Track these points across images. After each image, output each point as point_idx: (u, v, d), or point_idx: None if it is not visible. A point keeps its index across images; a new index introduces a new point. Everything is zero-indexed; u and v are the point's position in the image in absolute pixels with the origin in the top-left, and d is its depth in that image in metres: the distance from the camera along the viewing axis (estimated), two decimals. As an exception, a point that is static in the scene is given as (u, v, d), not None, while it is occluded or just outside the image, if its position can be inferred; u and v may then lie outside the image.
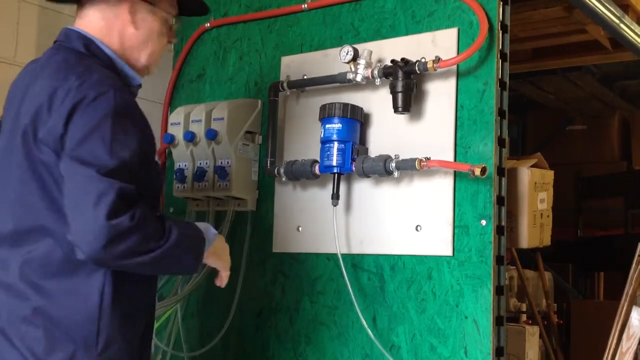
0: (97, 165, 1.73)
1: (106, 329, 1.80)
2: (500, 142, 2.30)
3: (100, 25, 1.97)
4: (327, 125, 2.42)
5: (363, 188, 2.49)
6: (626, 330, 2.36)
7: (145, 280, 1.93)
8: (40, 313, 1.78)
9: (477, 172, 2.16)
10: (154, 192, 1.98)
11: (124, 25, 1.98)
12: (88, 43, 1.94)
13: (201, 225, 2.00)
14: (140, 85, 2.06)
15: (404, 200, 2.40)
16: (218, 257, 2.05)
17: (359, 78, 2.43)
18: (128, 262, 1.75)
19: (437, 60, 2.30)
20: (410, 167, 2.29)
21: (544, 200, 2.99)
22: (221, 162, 2.67)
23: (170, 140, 2.73)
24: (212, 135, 2.63)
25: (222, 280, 2.12)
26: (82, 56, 1.91)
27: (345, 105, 2.42)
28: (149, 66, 2.04)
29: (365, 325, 2.40)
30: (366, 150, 2.48)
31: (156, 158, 1.97)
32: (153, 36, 2.02)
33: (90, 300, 1.80)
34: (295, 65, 2.71)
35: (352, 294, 2.41)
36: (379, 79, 2.41)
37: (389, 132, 2.46)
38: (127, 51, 1.99)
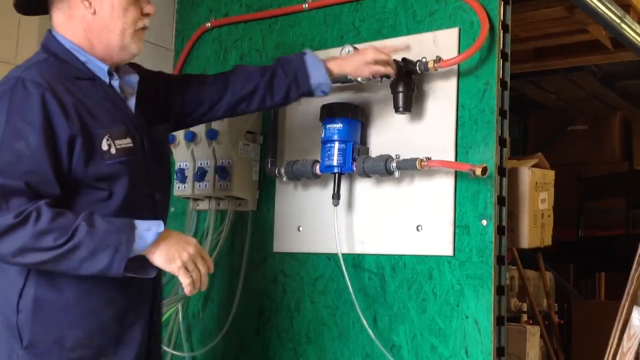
0: None
1: (27, 327, 1.81)
2: (501, 142, 2.30)
3: (61, 20, 1.96)
4: (328, 125, 2.42)
5: (364, 188, 2.49)
6: (627, 330, 2.36)
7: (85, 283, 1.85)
8: None
9: (478, 172, 2.16)
10: (109, 184, 1.88)
11: (82, 14, 1.93)
12: (48, 40, 1.96)
13: (145, 222, 1.82)
14: (110, 73, 1.96)
15: (405, 200, 2.40)
16: (167, 259, 1.83)
17: (359, 78, 2.42)
18: (24, 260, 1.73)
19: (438, 60, 2.30)
20: (411, 167, 2.29)
21: (545, 201, 2.98)
22: (222, 162, 2.67)
23: (171, 140, 2.73)
24: (213, 135, 2.63)
25: (185, 288, 1.86)
26: (37, 54, 1.94)
27: (347, 105, 2.42)
28: (125, 46, 1.96)
29: (366, 325, 2.39)
30: (367, 150, 2.48)
31: (109, 147, 1.87)
32: (116, 14, 1.93)
33: (11, 298, 1.82)
34: (296, 65, 2.71)
35: (352, 294, 2.41)
36: (380, 79, 2.40)
37: (389, 132, 2.46)
38: (96, 39, 1.94)
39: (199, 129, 2.66)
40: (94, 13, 1.93)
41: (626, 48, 3.72)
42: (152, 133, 2.04)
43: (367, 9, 2.60)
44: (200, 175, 2.67)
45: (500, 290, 2.25)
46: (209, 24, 3.00)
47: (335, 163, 2.40)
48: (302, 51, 2.29)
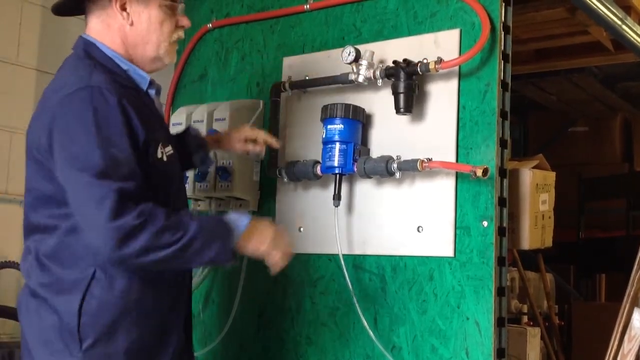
0: (89, 169, 1.74)
1: (89, 329, 1.83)
2: (502, 143, 2.30)
3: (99, 28, 1.98)
4: (329, 126, 2.42)
5: (365, 189, 2.49)
6: (628, 332, 2.36)
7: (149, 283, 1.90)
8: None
9: (479, 173, 2.16)
10: (164, 189, 1.95)
11: (121, 24, 1.97)
12: (88, 47, 1.96)
13: (232, 215, 1.95)
14: (152, 83, 2.02)
15: (406, 201, 2.40)
16: (256, 245, 1.95)
17: (361, 79, 2.43)
18: (147, 259, 1.77)
19: (439, 61, 2.30)
20: (412, 168, 2.29)
21: (546, 202, 2.99)
22: (223, 163, 2.67)
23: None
24: (213, 135, 2.63)
25: (274, 266, 2.00)
26: (81, 59, 1.93)
27: (347, 105, 2.42)
28: (159, 57, 2.00)
29: (367, 326, 2.39)
30: (368, 151, 2.48)
31: (162, 155, 1.93)
32: (152, 27, 1.97)
33: (72, 302, 1.84)
34: (297, 66, 2.71)
35: (353, 294, 2.41)
36: (381, 80, 2.41)
37: (390, 133, 2.46)
38: (132, 49, 1.98)
39: (201, 130, 2.66)
40: (132, 24, 1.96)
41: (627, 49, 3.72)
42: (174, 137, 2.16)
43: (368, 9, 2.60)
44: (201, 175, 2.67)
45: (500, 292, 2.25)
46: (210, 25, 3.00)
47: (336, 164, 2.40)
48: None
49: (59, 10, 2.07)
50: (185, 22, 2.04)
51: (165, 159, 1.94)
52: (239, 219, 1.93)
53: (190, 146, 2.33)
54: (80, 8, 2.02)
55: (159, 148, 1.92)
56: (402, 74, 2.33)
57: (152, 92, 2.03)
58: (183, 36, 2.07)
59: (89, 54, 1.95)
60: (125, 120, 1.83)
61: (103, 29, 1.98)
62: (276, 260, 1.99)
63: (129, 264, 1.80)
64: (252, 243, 1.94)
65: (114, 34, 1.97)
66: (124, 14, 1.96)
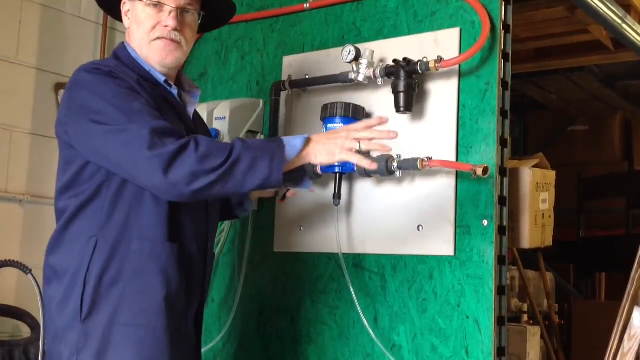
0: (114, 122, 1.83)
1: (89, 300, 1.88)
2: (502, 142, 2.30)
3: (126, 32, 2.12)
4: (329, 125, 2.41)
5: (365, 188, 2.49)
6: (628, 330, 2.36)
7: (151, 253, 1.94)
8: None
9: (479, 172, 2.16)
10: None
11: (127, 26, 2.10)
12: (119, 49, 2.09)
13: (286, 137, 1.92)
14: (168, 84, 2.07)
15: (406, 200, 2.40)
16: (328, 152, 1.89)
17: (361, 78, 2.43)
18: (198, 185, 1.80)
19: (439, 60, 2.30)
20: (412, 167, 2.29)
21: (546, 201, 2.98)
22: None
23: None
24: (214, 134, 2.63)
25: (365, 162, 1.91)
26: (106, 60, 2.07)
27: (347, 104, 2.41)
28: (146, 57, 2.05)
29: (367, 325, 2.39)
30: (368, 150, 2.47)
31: None
32: (135, 27, 2.06)
33: (79, 271, 1.90)
34: (297, 64, 2.71)
35: (353, 293, 2.41)
36: (381, 79, 2.40)
37: (390, 131, 2.46)
38: (134, 48, 2.07)
39: (200, 129, 2.66)
40: (129, 27, 2.09)
41: (627, 48, 3.72)
42: None
43: (368, 8, 2.60)
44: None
45: (500, 291, 2.25)
46: (210, 24, 3.00)
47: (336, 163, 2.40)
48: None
49: (104, 5, 2.24)
50: (168, 22, 2.03)
51: None
52: (294, 138, 1.91)
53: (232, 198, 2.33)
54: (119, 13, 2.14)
55: None
56: (402, 73, 2.33)
57: (174, 91, 2.08)
58: (165, 34, 2.03)
59: (117, 55, 2.07)
60: (135, 85, 1.92)
61: (127, 32, 2.11)
62: (359, 160, 1.91)
63: (187, 193, 1.82)
64: (320, 156, 1.90)
65: (128, 37, 2.10)
66: (126, 18, 2.10)
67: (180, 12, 2.05)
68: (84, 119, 1.88)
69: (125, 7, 2.09)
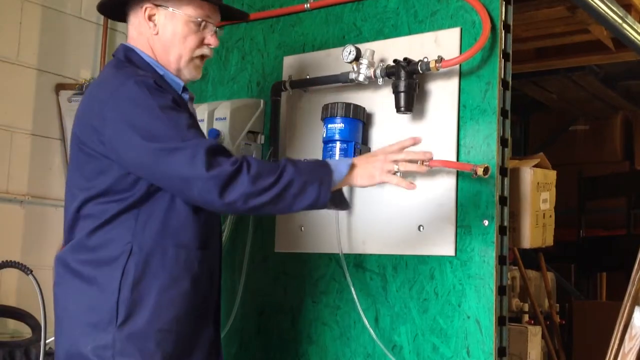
0: (165, 139, 1.83)
1: (124, 305, 1.88)
2: (503, 142, 2.30)
3: (134, 35, 2.09)
4: (330, 125, 2.41)
5: (365, 188, 2.49)
6: (628, 330, 2.36)
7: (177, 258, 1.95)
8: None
9: (480, 172, 2.16)
10: None
11: (149, 32, 2.07)
12: (129, 52, 2.07)
13: (331, 160, 2.01)
14: (186, 89, 2.09)
15: (407, 200, 2.40)
16: (369, 175, 1.97)
17: (361, 78, 2.42)
18: (251, 204, 1.84)
19: (440, 60, 2.30)
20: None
21: (547, 201, 2.98)
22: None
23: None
24: (214, 134, 2.63)
25: (404, 183, 1.98)
26: (122, 63, 2.03)
27: (348, 105, 2.41)
28: (180, 69, 2.07)
29: (368, 325, 2.39)
30: (368, 150, 2.47)
31: None
32: (176, 40, 2.05)
33: (114, 277, 1.90)
34: (298, 65, 2.71)
35: (354, 293, 2.41)
36: (381, 79, 2.40)
37: (391, 131, 2.46)
38: (158, 56, 2.07)
39: (201, 129, 2.66)
40: (157, 34, 2.06)
41: (627, 48, 3.72)
42: None
43: (368, 8, 2.60)
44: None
45: (501, 291, 2.25)
46: (211, 24, 3.00)
47: (336, 163, 2.40)
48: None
49: (104, 12, 2.21)
50: (211, 40, 2.08)
51: None
52: (340, 163, 1.97)
53: None
54: (122, 15, 2.12)
55: None
56: (402, 73, 2.33)
57: (185, 96, 2.10)
58: (209, 54, 2.10)
59: (130, 59, 2.05)
60: (174, 100, 1.92)
61: (137, 36, 2.08)
62: (398, 182, 1.98)
63: (243, 211, 1.88)
64: (361, 180, 1.98)
65: (145, 42, 2.07)
66: (151, 23, 2.06)
67: (216, 30, 2.11)
68: (131, 133, 1.86)
69: (150, 11, 2.05)
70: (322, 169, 1.92)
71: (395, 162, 1.99)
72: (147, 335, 1.88)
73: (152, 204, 1.93)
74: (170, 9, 2.04)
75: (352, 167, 1.96)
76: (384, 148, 2.04)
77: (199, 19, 2.05)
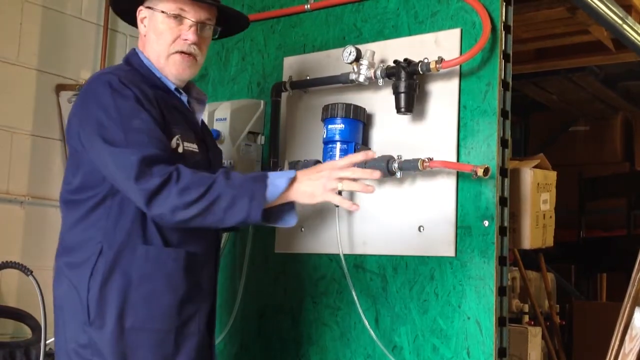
0: (112, 140, 1.87)
1: (94, 304, 1.91)
2: (503, 143, 2.30)
3: (139, 38, 2.13)
4: (330, 126, 2.42)
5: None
6: (629, 331, 2.36)
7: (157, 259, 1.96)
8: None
9: (480, 172, 2.16)
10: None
11: (142, 33, 2.11)
12: (132, 55, 2.10)
13: (274, 173, 1.89)
14: (179, 91, 2.10)
15: (407, 200, 2.40)
16: (310, 194, 1.87)
17: (361, 78, 2.43)
18: (179, 217, 1.85)
19: (440, 60, 2.30)
20: (413, 168, 2.29)
21: (547, 201, 2.98)
22: (224, 162, 2.67)
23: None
24: (214, 135, 2.63)
25: (347, 204, 1.88)
26: (119, 65, 2.09)
27: (348, 105, 2.42)
28: (162, 68, 2.07)
29: (368, 326, 2.39)
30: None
31: (177, 146, 1.99)
32: (154, 37, 2.07)
33: (84, 276, 1.93)
34: (298, 65, 2.71)
35: (354, 294, 2.41)
36: (381, 80, 2.41)
37: (391, 132, 2.46)
38: (149, 56, 2.08)
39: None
40: (145, 34, 2.10)
41: (627, 49, 3.72)
42: (215, 149, 2.22)
43: (369, 9, 2.60)
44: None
45: (501, 291, 2.25)
46: (211, 25, 3.00)
47: (337, 164, 2.40)
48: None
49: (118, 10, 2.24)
50: (187, 35, 2.05)
51: (181, 150, 2.00)
52: (279, 177, 1.87)
53: None
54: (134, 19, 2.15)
55: (175, 139, 1.99)
56: (402, 74, 2.33)
57: (183, 97, 2.11)
58: (186, 50, 2.06)
59: (129, 61, 2.09)
60: (141, 98, 1.93)
61: (140, 39, 2.13)
62: (340, 201, 1.88)
63: (171, 223, 1.89)
64: (302, 197, 1.88)
65: (142, 43, 2.11)
66: (142, 25, 2.11)
67: (200, 26, 2.07)
68: (92, 130, 1.91)
69: (141, 14, 2.10)
70: (255, 184, 1.85)
71: (340, 179, 1.86)
72: (120, 334, 1.90)
73: (123, 201, 1.94)
74: (150, 7, 2.07)
75: (292, 181, 1.87)
76: (332, 162, 1.91)
77: (172, 13, 2.04)
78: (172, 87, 2.09)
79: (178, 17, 2.05)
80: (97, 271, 1.91)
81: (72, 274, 1.96)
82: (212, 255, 2.11)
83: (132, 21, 2.17)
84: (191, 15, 2.06)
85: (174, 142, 1.98)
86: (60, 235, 2.04)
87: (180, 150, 2.00)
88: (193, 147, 2.04)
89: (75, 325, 1.94)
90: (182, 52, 2.06)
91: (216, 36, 2.18)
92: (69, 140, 2.03)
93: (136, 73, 2.04)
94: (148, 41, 2.08)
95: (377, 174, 1.89)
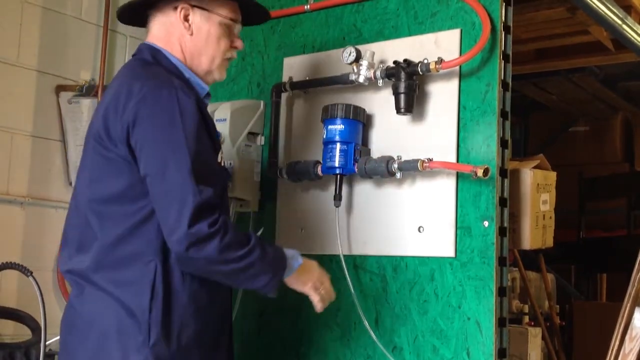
0: (179, 165, 1.80)
1: (157, 326, 1.86)
2: (503, 143, 2.30)
3: (161, 35, 2.05)
4: (330, 126, 2.42)
5: (365, 189, 2.49)
6: (629, 331, 2.36)
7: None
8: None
9: (480, 173, 2.16)
10: (221, 196, 1.99)
11: (181, 33, 2.04)
12: (155, 53, 2.03)
13: (289, 251, 2.02)
14: (209, 94, 2.09)
15: (407, 201, 2.40)
16: (302, 283, 2.05)
17: (361, 79, 2.43)
18: (210, 269, 1.85)
19: (440, 61, 2.30)
20: (412, 168, 2.29)
21: (547, 202, 2.98)
22: (224, 163, 2.67)
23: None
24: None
25: (316, 306, 2.11)
26: (149, 64, 1.99)
27: (348, 106, 2.42)
28: (211, 71, 2.06)
29: (368, 327, 2.39)
30: (368, 152, 2.48)
31: (221, 159, 2.03)
32: (210, 41, 2.04)
33: (142, 299, 1.87)
34: (298, 66, 2.71)
35: (354, 295, 2.41)
36: (381, 80, 2.41)
37: (391, 133, 2.46)
38: (189, 58, 2.04)
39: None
40: (192, 35, 2.04)
41: (627, 49, 3.72)
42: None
43: (368, 10, 2.60)
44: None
45: (501, 292, 2.25)
46: (211, 25, 3.00)
47: (336, 164, 2.40)
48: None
49: (122, 18, 2.17)
50: (239, 43, 2.10)
51: (223, 163, 2.02)
52: (293, 258, 2.02)
53: None
54: (143, 17, 2.09)
55: (220, 153, 2.01)
56: (402, 74, 2.34)
57: (207, 101, 2.10)
58: (235, 56, 2.14)
59: (158, 60, 2.01)
60: (203, 119, 1.89)
61: (165, 36, 2.04)
62: (317, 300, 2.08)
63: (191, 267, 1.87)
64: (298, 281, 2.04)
65: (175, 42, 2.04)
66: (186, 24, 2.03)
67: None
68: (155, 146, 1.84)
69: (185, 11, 2.03)
70: (281, 263, 1.97)
71: (318, 289, 2.08)
72: (180, 353, 1.89)
73: None
74: (206, 9, 2.03)
75: (300, 268, 2.03)
76: (321, 273, 2.10)
77: (230, 21, 2.06)
78: (206, 90, 2.07)
79: (232, 23, 2.07)
80: (157, 291, 1.87)
81: (122, 293, 1.88)
82: None
83: (135, 20, 2.13)
84: (238, 21, 2.10)
85: (219, 156, 2.00)
86: (95, 248, 1.92)
87: (223, 163, 2.02)
88: (221, 158, 2.08)
89: (124, 345, 1.86)
90: (229, 59, 2.10)
91: None
92: (106, 143, 1.90)
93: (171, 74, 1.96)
94: (194, 42, 2.03)
95: (332, 296, 2.13)
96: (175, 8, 2.03)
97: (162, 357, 1.86)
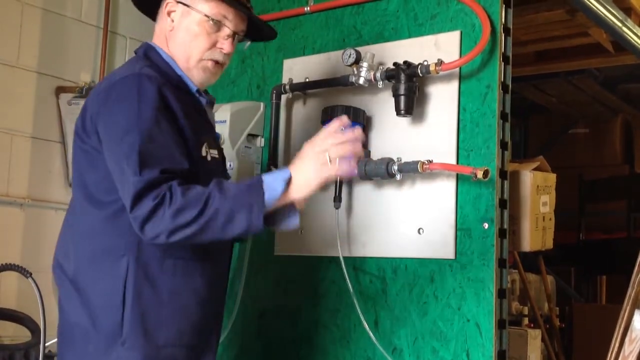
0: (128, 151, 1.77)
1: (127, 323, 1.82)
2: (503, 145, 2.30)
3: (157, 32, 2.05)
4: (329, 128, 2.41)
5: (365, 191, 2.49)
6: (628, 333, 2.36)
7: (183, 270, 1.90)
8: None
9: (480, 175, 2.16)
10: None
11: (166, 27, 2.01)
12: (148, 50, 2.01)
13: (270, 174, 1.82)
14: (199, 92, 2.02)
15: (406, 203, 2.40)
16: (308, 186, 1.80)
17: (361, 81, 2.43)
18: (177, 238, 1.75)
19: (440, 63, 2.30)
20: (412, 170, 2.29)
21: (547, 204, 2.99)
22: (228, 165, 2.67)
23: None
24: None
25: (344, 167, 1.80)
26: (139, 60, 1.97)
27: (348, 107, 2.42)
28: (189, 69, 1.98)
29: (367, 328, 2.39)
30: (368, 153, 2.48)
31: (207, 154, 1.94)
32: (187, 38, 1.97)
33: (113, 296, 1.83)
34: (298, 68, 2.72)
35: (354, 296, 2.41)
36: (381, 82, 2.41)
37: (391, 134, 2.46)
38: (173, 53, 1.99)
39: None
40: (172, 30, 2.00)
41: (627, 51, 3.73)
42: (222, 152, 2.12)
43: (368, 12, 2.60)
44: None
45: (501, 294, 2.25)
46: (211, 27, 3.00)
47: (336, 166, 2.40)
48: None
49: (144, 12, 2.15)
50: (224, 44, 1.98)
51: (209, 158, 1.95)
52: (275, 180, 1.79)
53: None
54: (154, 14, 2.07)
55: (204, 147, 1.93)
56: (402, 76, 2.34)
57: (203, 100, 2.03)
58: (221, 59, 2.00)
59: (148, 56, 1.99)
60: (164, 106, 1.83)
61: (158, 33, 2.04)
62: (344, 170, 1.81)
63: (160, 242, 1.78)
64: (300, 194, 1.82)
65: (163, 38, 2.02)
66: (169, 18, 2.00)
67: (237, 37, 2.02)
68: (111, 135, 1.83)
69: (170, 7, 1.99)
70: (252, 192, 1.77)
71: (325, 151, 1.80)
72: (155, 352, 1.84)
73: None
74: (187, 5, 1.97)
75: (289, 181, 1.80)
76: (311, 142, 1.83)
77: (213, 19, 1.96)
78: (195, 88, 2.01)
79: (217, 24, 1.97)
80: (128, 288, 1.82)
81: (94, 290, 1.85)
82: (227, 267, 2.10)
83: (149, 10, 2.08)
84: (232, 25, 1.99)
85: (203, 150, 1.92)
86: (72, 244, 1.92)
87: (209, 158, 1.94)
88: (215, 153, 1.98)
89: (96, 345, 1.84)
90: (215, 61, 1.99)
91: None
92: (82, 136, 1.90)
93: (159, 71, 1.93)
94: (174, 38, 1.98)
95: (358, 130, 1.84)
96: (164, 3, 2.01)
97: (135, 357, 1.82)
